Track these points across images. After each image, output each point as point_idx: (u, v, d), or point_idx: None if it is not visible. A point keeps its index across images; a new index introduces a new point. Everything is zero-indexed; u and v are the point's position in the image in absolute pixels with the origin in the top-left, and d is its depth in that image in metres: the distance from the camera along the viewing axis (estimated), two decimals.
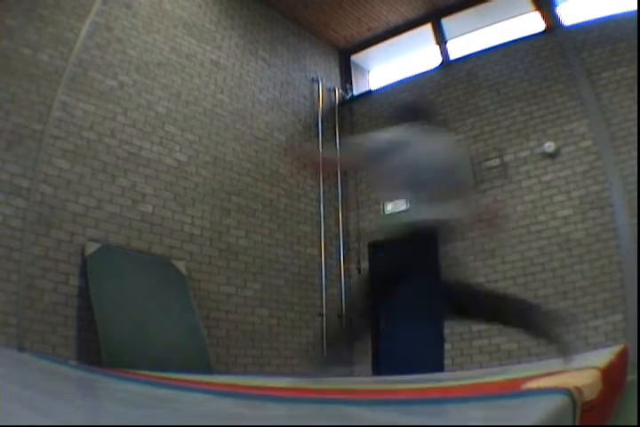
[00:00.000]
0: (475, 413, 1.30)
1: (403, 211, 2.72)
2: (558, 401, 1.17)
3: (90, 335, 4.29)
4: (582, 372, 1.71)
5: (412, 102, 3.24)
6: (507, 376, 2.41)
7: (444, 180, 2.71)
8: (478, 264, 6.00)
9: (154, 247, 5.16)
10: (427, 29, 7.74)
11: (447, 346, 5.92)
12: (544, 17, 6.65)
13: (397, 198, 2.72)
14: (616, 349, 3.43)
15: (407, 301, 2.71)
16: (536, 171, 5.96)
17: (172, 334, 4.68)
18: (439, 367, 5.70)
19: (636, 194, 5.07)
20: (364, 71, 8.71)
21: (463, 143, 6.59)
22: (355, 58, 8.55)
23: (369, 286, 2.71)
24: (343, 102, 7.98)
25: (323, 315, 6.46)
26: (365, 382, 3.41)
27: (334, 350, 2.79)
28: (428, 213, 2.57)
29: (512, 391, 1.49)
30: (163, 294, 4.90)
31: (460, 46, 7.43)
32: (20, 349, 3.93)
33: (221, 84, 6.44)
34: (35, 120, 4.65)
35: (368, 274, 2.67)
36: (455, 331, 5.93)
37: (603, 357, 2.56)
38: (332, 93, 7.97)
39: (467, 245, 6.07)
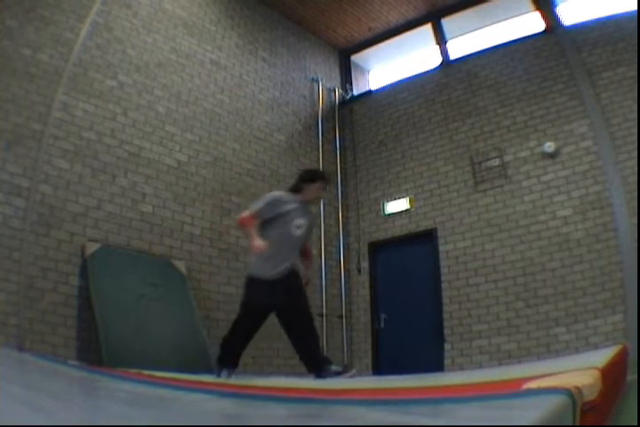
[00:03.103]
0: (475, 413, 1.30)
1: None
2: (558, 401, 1.17)
3: (90, 335, 4.29)
4: (582, 372, 1.71)
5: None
6: (507, 376, 2.41)
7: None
8: (478, 264, 6.01)
9: (154, 247, 5.16)
10: (427, 29, 7.74)
11: (447, 346, 5.92)
12: (544, 17, 6.65)
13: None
14: (616, 349, 3.43)
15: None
16: (536, 171, 5.96)
17: (172, 333, 4.68)
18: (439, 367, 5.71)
19: (636, 194, 5.07)
20: (364, 71, 8.72)
21: (462, 143, 6.61)
22: (355, 58, 8.55)
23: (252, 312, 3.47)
24: (343, 102, 7.99)
25: (323, 315, 6.46)
26: (365, 382, 3.41)
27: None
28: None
29: (512, 391, 1.49)
30: (163, 293, 4.90)
31: (460, 46, 7.43)
32: (20, 349, 3.93)
33: (221, 84, 6.44)
34: (35, 120, 4.65)
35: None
36: (455, 331, 5.93)
37: (602, 357, 2.56)
38: (332, 93, 7.97)
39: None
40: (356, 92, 8.18)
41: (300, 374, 5.90)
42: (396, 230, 6.81)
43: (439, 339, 5.99)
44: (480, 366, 5.53)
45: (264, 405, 1.78)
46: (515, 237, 5.86)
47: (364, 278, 6.89)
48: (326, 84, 7.93)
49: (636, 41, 5.51)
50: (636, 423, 1.81)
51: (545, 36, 6.48)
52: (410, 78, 7.52)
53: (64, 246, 4.53)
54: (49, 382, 2.20)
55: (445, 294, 6.13)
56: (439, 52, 7.49)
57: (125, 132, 5.29)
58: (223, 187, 5.97)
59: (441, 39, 7.53)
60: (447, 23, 7.57)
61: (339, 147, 7.57)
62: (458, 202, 6.40)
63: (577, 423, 1.21)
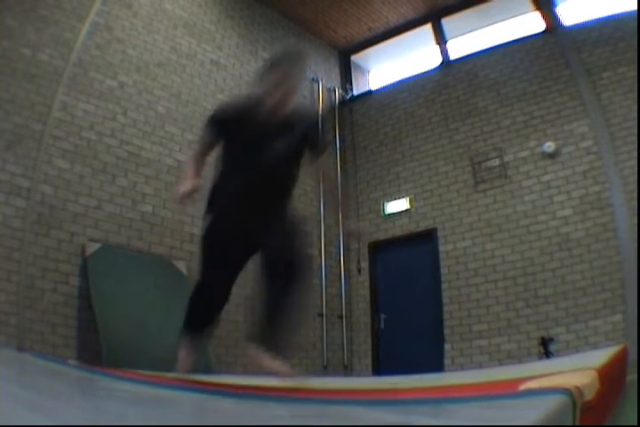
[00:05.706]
0: (475, 413, 1.30)
1: None
2: (558, 401, 1.17)
3: (90, 335, 4.29)
4: (579, 372, 1.71)
5: None
6: (507, 376, 2.40)
7: None
8: (478, 264, 6.01)
9: (154, 247, 5.16)
10: (427, 29, 7.74)
11: (447, 346, 5.92)
12: (544, 17, 6.65)
13: None
14: (615, 349, 3.43)
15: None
16: (536, 171, 5.96)
17: (172, 334, 4.66)
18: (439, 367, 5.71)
19: (636, 194, 5.08)
20: (364, 71, 8.71)
21: (462, 143, 6.60)
22: (355, 58, 8.55)
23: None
24: (343, 102, 7.99)
25: (323, 315, 6.46)
26: (365, 382, 3.41)
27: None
28: None
29: (512, 391, 1.49)
30: (163, 294, 4.90)
31: (460, 46, 7.43)
32: (20, 349, 3.93)
33: (221, 84, 6.44)
34: (35, 120, 4.65)
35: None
36: (455, 331, 5.93)
37: (601, 357, 2.56)
38: (332, 93, 7.96)
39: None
40: (356, 92, 8.17)
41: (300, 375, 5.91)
42: (396, 230, 6.81)
43: (439, 339, 5.99)
44: (480, 366, 5.53)
45: (264, 405, 1.78)
46: (515, 237, 5.86)
47: (364, 278, 6.89)
48: (326, 84, 7.93)
49: (636, 41, 5.51)
50: (636, 423, 1.81)
51: (545, 36, 6.48)
52: (410, 78, 7.52)
53: (64, 246, 4.53)
54: (49, 382, 2.20)
55: (445, 294, 6.13)
56: (439, 52, 7.49)
57: (125, 132, 5.29)
58: None
59: (441, 39, 7.53)
60: (447, 23, 7.56)
61: (339, 147, 7.57)
62: (458, 202, 6.40)
63: (577, 423, 1.21)
